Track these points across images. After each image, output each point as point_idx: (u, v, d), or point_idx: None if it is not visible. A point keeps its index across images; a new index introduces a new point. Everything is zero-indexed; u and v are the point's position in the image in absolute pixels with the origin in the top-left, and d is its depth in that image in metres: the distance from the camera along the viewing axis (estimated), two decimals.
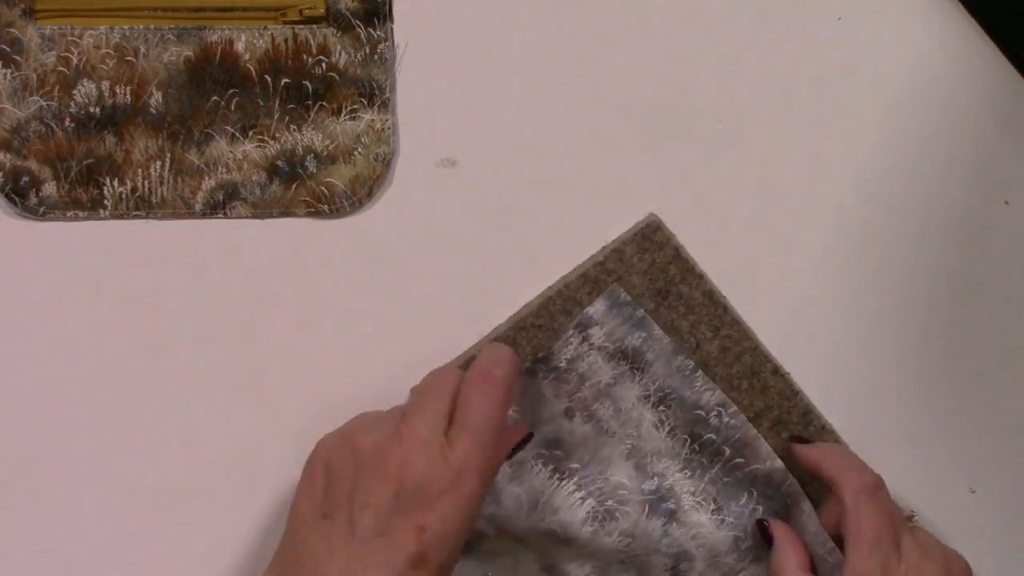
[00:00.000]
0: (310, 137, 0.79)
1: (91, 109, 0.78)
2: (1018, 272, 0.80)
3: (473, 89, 0.80)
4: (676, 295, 0.81)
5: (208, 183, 0.79)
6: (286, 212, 0.80)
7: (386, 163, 0.80)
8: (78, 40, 0.78)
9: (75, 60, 0.78)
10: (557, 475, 0.79)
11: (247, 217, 0.80)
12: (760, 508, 0.80)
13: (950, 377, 0.79)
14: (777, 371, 0.81)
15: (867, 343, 0.80)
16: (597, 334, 0.80)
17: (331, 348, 0.80)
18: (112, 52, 0.78)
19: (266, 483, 0.80)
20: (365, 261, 0.80)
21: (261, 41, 0.79)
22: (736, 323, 0.81)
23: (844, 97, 0.80)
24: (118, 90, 0.79)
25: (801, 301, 0.81)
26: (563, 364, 0.80)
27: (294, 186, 0.79)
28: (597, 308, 0.80)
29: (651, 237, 0.81)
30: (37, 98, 0.78)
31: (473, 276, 0.81)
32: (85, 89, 0.78)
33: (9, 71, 0.78)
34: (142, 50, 0.78)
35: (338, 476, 0.71)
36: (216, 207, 0.79)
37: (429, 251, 0.80)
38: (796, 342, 0.81)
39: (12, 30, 0.78)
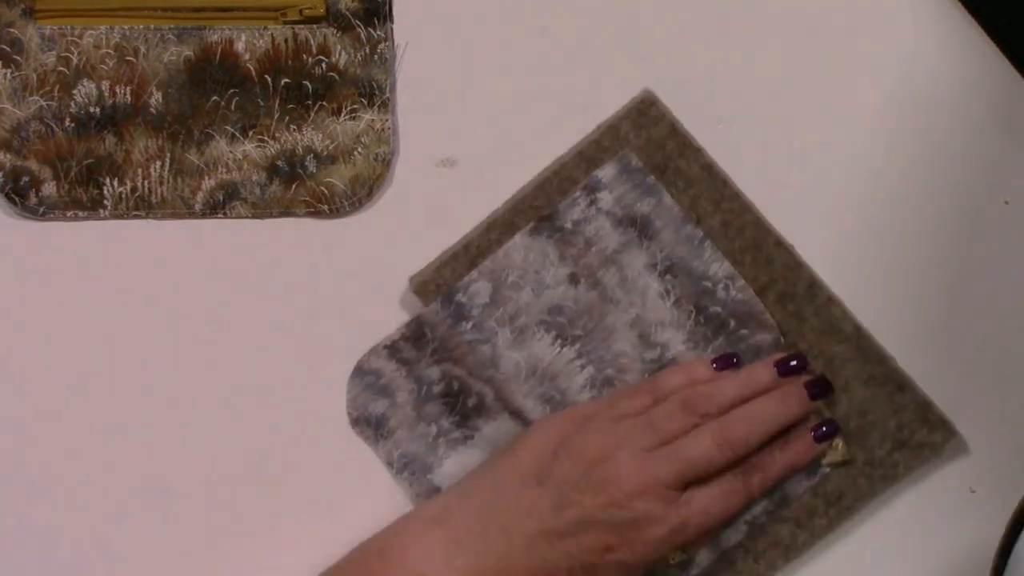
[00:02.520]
0: (310, 137, 0.79)
1: (91, 109, 0.79)
2: (1018, 272, 0.79)
3: (473, 89, 0.80)
4: (674, 170, 0.79)
5: (208, 183, 0.79)
6: (286, 212, 0.80)
7: (386, 163, 0.80)
8: (78, 40, 0.78)
9: (75, 60, 0.78)
10: (559, 341, 0.79)
11: (247, 217, 0.80)
12: None
13: (950, 377, 0.79)
14: (780, 243, 0.79)
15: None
16: (606, 198, 0.79)
17: (331, 347, 0.80)
18: (112, 52, 0.78)
19: (267, 481, 0.80)
20: (365, 261, 0.80)
21: (261, 41, 0.79)
22: (737, 196, 0.79)
23: (844, 97, 0.80)
24: (118, 90, 0.79)
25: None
26: (569, 225, 0.79)
27: (294, 186, 0.80)
28: (606, 172, 0.79)
29: (646, 113, 0.80)
30: (37, 98, 0.78)
31: None
32: (85, 89, 0.79)
33: (9, 71, 0.78)
34: (142, 50, 0.79)
35: (565, 465, 0.74)
36: (216, 207, 0.79)
37: (429, 251, 0.80)
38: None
39: (12, 30, 0.78)
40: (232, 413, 0.80)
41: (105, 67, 0.78)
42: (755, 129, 0.80)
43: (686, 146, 0.80)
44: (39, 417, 0.80)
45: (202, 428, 0.80)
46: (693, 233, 0.79)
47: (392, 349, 0.80)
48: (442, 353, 0.79)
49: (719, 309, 0.79)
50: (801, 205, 0.80)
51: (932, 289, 0.80)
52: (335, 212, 0.80)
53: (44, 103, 0.78)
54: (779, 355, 0.78)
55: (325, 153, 0.79)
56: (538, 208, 0.80)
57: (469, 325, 0.79)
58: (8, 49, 0.78)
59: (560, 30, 0.80)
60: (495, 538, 0.74)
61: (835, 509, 0.78)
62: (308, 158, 0.80)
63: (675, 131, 0.80)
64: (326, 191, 0.80)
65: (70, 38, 0.78)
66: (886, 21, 0.80)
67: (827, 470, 0.78)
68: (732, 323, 0.79)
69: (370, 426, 0.80)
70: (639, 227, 0.79)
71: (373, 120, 0.80)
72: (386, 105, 0.80)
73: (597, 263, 0.79)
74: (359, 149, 0.80)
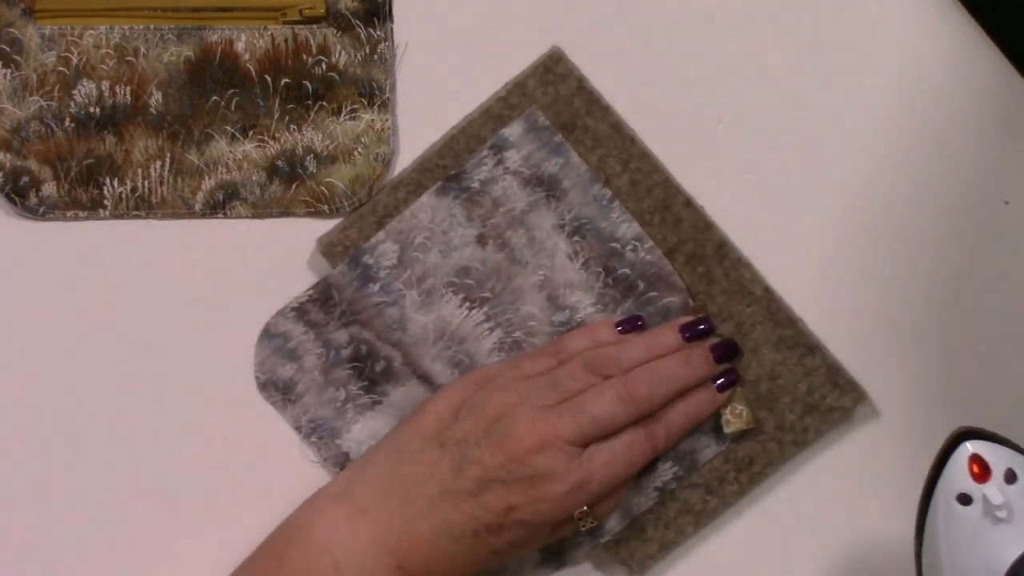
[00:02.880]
0: (310, 137, 0.79)
1: (91, 109, 0.78)
2: (1018, 272, 0.79)
3: (473, 89, 0.80)
4: (582, 128, 0.79)
5: (208, 183, 0.79)
6: (286, 212, 0.80)
7: (386, 163, 0.80)
8: (78, 40, 0.78)
9: (75, 60, 0.78)
10: (467, 304, 0.79)
11: (247, 217, 0.80)
12: None
13: (949, 377, 0.79)
14: (689, 203, 0.79)
15: (866, 344, 0.80)
16: (513, 157, 0.79)
17: None
18: (112, 52, 0.78)
19: (261, 478, 0.80)
20: None
21: (261, 41, 0.79)
22: (645, 155, 0.79)
23: (843, 97, 0.80)
24: (118, 90, 0.79)
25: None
26: (476, 185, 0.79)
27: (294, 186, 0.80)
28: (513, 131, 0.79)
29: (553, 69, 0.79)
30: (37, 98, 0.78)
31: None
32: (85, 89, 0.78)
33: (9, 71, 0.78)
34: (142, 50, 0.79)
35: (466, 424, 0.74)
36: (216, 207, 0.79)
37: None
38: None
39: (12, 30, 0.78)
40: (232, 411, 0.80)
41: (105, 67, 0.78)
42: (755, 129, 0.80)
43: (594, 103, 0.79)
44: (39, 415, 0.80)
45: (201, 426, 0.80)
46: (601, 193, 0.79)
47: (300, 311, 0.79)
48: (350, 316, 0.79)
49: (628, 271, 0.79)
50: (801, 204, 0.80)
51: (932, 289, 0.80)
52: (335, 212, 0.80)
53: (44, 103, 0.78)
54: (685, 318, 0.78)
55: (325, 153, 0.79)
56: (445, 167, 0.79)
57: (376, 287, 0.79)
58: (8, 49, 0.78)
59: (559, 29, 0.80)
60: (398, 504, 0.74)
61: (745, 475, 0.78)
62: (308, 158, 0.80)
63: (582, 88, 0.79)
64: (326, 191, 0.80)
65: (70, 38, 0.78)
66: (886, 21, 0.80)
67: (734, 435, 0.78)
68: (641, 285, 0.79)
69: (278, 390, 0.80)
70: (547, 187, 0.79)
71: (373, 120, 0.80)
72: (386, 105, 0.80)
73: (505, 224, 0.79)
74: (359, 149, 0.80)
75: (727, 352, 0.77)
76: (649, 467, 0.77)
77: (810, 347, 0.78)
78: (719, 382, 0.77)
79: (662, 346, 0.76)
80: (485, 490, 0.73)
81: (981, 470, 0.70)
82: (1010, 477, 0.70)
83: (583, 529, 0.75)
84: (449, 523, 0.73)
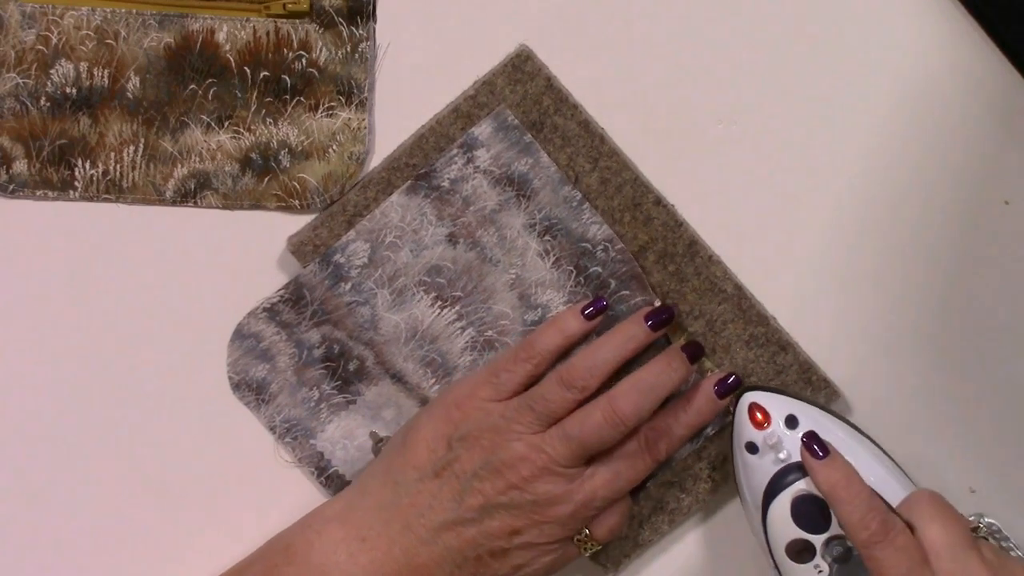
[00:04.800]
0: (285, 131, 0.79)
1: (67, 90, 0.78)
2: (1018, 272, 0.80)
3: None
4: (551, 127, 0.79)
5: (180, 171, 0.79)
6: (256, 205, 0.80)
7: (360, 162, 0.80)
8: (59, 20, 0.78)
9: (54, 40, 0.78)
10: (439, 303, 0.79)
11: (217, 207, 0.80)
12: None
13: (950, 377, 0.79)
14: (659, 202, 0.79)
15: (866, 344, 0.80)
16: (483, 156, 0.79)
17: None
18: (92, 34, 0.78)
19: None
20: None
21: (243, 32, 0.79)
22: (615, 154, 0.79)
23: (844, 97, 0.80)
24: (96, 72, 0.78)
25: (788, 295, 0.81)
26: (446, 184, 0.79)
27: (266, 179, 0.79)
28: (483, 130, 0.79)
29: (522, 68, 0.79)
30: (14, 75, 0.78)
31: None
32: (63, 69, 0.78)
33: None
34: (122, 34, 0.78)
35: (461, 455, 0.74)
36: (187, 195, 0.79)
37: None
38: None
39: None
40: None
41: (84, 49, 0.78)
42: (757, 131, 0.80)
43: (562, 102, 0.79)
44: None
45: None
46: (571, 195, 0.79)
47: (271, 312, 0.79)
48: (322, 315, 0.79)
49: (600, 269, 0.79)
50: (801, 204, 0.80)
51: (932, 289, 0.80)
52: (306, 208, 0.80)
53: (20, 80, 0.78)
54: (647, 308, 0.78)
55: (300, 148, 0.79)
56: (415, 166, 0.79)
57: (348, 287, 0.79)
58: None
59: (550, 35, 0.80)
60: (398, 533, 0.74)
61: (719, 472, 0.79)
62: (282, 152, 0.79)
63: (551, 86, 0.79)
64: (298, 186, 0.79)
65: (51, 17, 0.78)
66: (886, 21, 0.80)
67: (710, 432, 0.79)
68: (613, 283, 0.79)
69: (251, 391, 0.80)
70: (517, 187, 0.79)
71: (350, 119, 0.79)
72: (364, 104, 0.79)
73: (476, 223, 0.79)
74: (334, 147, 0.80)
75: (698, 351, 0.78)
76: None
77: (782, 345, 0.79)
78: (721, 387, 0.77)
79: (631, 340, 0.77)
80: (488, 516, 0.74)
81: (763, 416, 0.75)
82: (791, 422, 0.74)
83: (586, 553, 0.76)
84: (451, 550, 0.74)
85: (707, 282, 0.79)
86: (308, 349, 0.79)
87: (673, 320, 0.78)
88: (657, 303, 0.79)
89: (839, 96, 0.80)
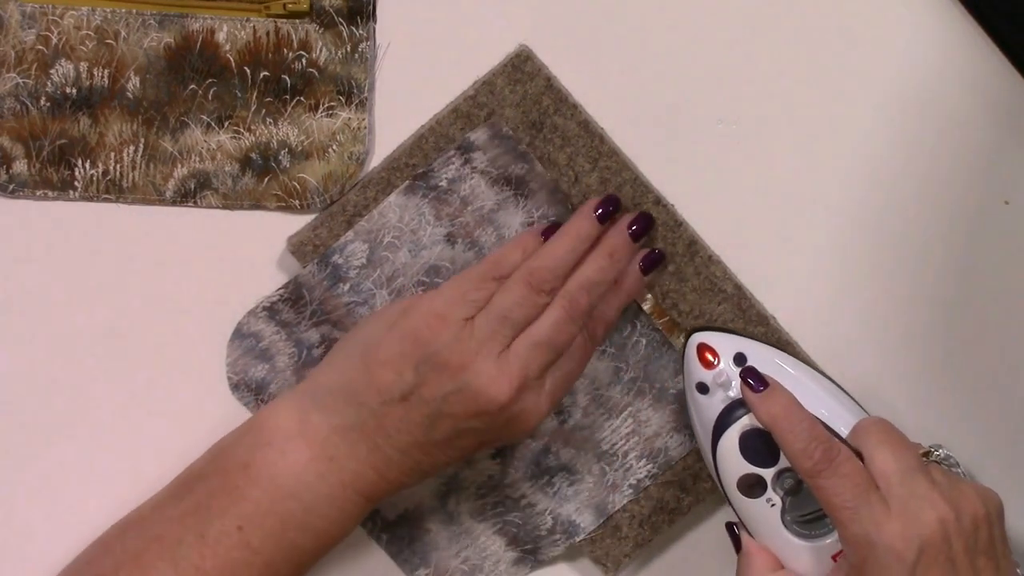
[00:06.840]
0: (285, 131, 0.79)
1: (67, 89, 0.78)
2: (1018, 272, 0.80)
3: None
4: (551, 127, 0.79)
5: (180, 171, 0.79)
6: (256, 205, 0.80)
7: (360, 162, 0.80)
8: (59, 20, 0.78)
9: (55, 40, 0.78)
10: None
11: (217, 207, 0.80)
12: (643, 340, 0.79)
13: (950, 377, 0.80)
14: (659, 201, 0.79)
15: (866, 344, 0.80)
16: (480, 159, 0.79)
17: None
18: (92, 34, 0.78)
19: None
20: None
21: (243, 32, 0.79)
22: (614, 153, 0.79)
23: (844, 97, 0.80)
24: (96, 72, 0.78)
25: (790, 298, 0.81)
26: (444, 184, 0.79)
27: (266, 179, 0.79)
28: (479, 136, 0.79)
29: (521, 68, 0.79)
30: (14, 75, 0.78)
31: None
32: (63, 69, 0.78)
33: None
34: (123, 34, 0.78)
35: (429, 379, 0.73)
36: (187, 195, 0.79)
37: None
38: None
39: None
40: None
41: (84, 48, 0.78)
42: (757, 131, 0.80)
43: (562, 102, 0.79)
44: None
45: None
46: (566, 209, 0.79)
47: (271, 311, 0.79)
48: (321, 315, 0.79)
49: None
50: (801, 204, 0.80)
51: (932, 289, 0.80)
52: (306, 208, 0.80)
53: (20, 80, 0.78)
54: (594, 200, 0.78)
55: (300, 148, 0.79)
56: (414, 166, 0.79)
57: (346, 287, 0.79)
58: None
59: (546, 37, 0.80)
60: (367, 453, 0.74)
61: None
62: (282, 152, 0.79)
63: (551, 86, 0.79)
64: (298, 186, 0.79)
65: (51, 17, 0.78)
66: (886, 21, 0.80)
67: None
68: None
69: (250, 391, 0.80)
70: (514, 186, 0.79)
71: (350, 119, 0.80)
72: (364, 104, 0.79)
73: (474, 222, 0.79)
74: (334, 147, 0.80)
75: (645, 225, 0.78)
76: (624, 465, 0.79)
77: (782, 344, 0.79)
78: (645, 263, 0.78)
79: (582, 236, 0.77)
80: (459, 438, 0.74)
81: (712, 356, 0.76)
82: (740, 360, 0.75)
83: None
84: (421, 465, 0.75)
85: (707, 282, 0.79)
86: (307, 349, 0.79)
87: (620, 209, 0.78)
88: (649, 297, 0.79)
89: (839, 96, 0.80)
